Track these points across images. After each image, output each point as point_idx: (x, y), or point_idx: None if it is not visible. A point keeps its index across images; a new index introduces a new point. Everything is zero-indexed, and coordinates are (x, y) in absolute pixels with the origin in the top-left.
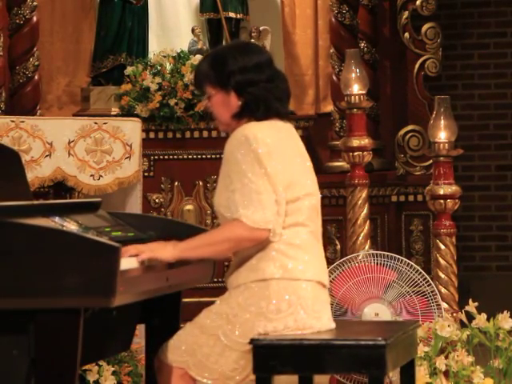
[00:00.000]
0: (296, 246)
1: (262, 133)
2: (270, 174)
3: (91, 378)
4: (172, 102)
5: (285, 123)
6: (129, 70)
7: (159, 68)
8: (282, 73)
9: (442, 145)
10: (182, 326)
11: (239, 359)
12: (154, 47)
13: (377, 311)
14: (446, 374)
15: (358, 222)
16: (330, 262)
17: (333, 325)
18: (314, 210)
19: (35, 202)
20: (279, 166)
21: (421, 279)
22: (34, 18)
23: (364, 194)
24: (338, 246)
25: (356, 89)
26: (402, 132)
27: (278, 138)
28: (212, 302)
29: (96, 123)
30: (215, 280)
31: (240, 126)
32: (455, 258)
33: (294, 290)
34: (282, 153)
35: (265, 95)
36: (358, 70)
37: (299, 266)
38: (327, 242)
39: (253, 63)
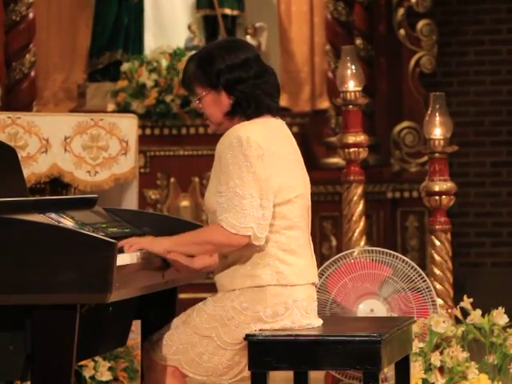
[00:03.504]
0: (291, 251)
1: (255, 134)
2: (259, 178)
3: (87, 373)
4: (168, 98)
5: (276, 120)
6: (125, 67)
7: (155, 64)
8: (271, 67)
9: (437, 141)
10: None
11: (233, 356)
12: (151, 44)
13: (372, 307)
14: (441, 369)
15: (354, 219)
16: (325, 258)
17: (320, 321)
18: (305, 210)
19: (31, 198)
20: (270, 169)
21: (416, 275)
22: (31, 15)
23: (359, 190)
24: (334, 243)
25: (352, 85)
26: (397, 128)
27: (271, 138)
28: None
29: (92, 119)
30: (210, 276)
31: (232, 125)
32: (450, 254)
33: (290, 294)
34: (275, 155)
35: (255, 92)
36: (353, 67)
37: (295, 272)
38: (323, 238)
39: (240, 60)
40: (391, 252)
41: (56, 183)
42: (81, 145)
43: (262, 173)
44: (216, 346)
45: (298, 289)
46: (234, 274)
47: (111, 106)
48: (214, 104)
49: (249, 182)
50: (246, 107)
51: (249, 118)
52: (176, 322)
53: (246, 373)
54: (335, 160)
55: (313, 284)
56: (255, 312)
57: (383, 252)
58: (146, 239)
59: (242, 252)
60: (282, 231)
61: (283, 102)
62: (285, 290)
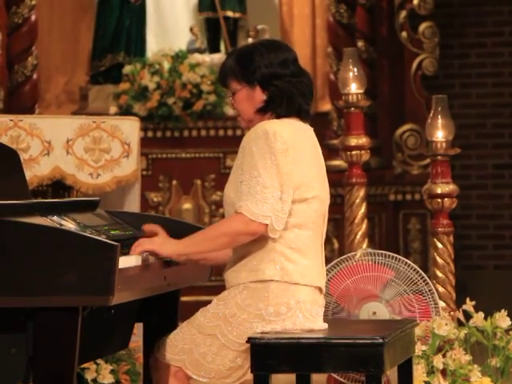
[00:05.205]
0: (297, 250)
1: (281, 129)
2: (281, 171)
3: (89, 376)
4: (170, 100)
5: (305, 124)
6: (127, 69)
7: (157, 67)
8: (307, 71)
9: (439, 144)
10: (179, 324)
11: (236, 358)
12: (153, 46)
13: (374, 310)
14: (444, 372)
15: (356, 221)
16: (327, 260)
17: (325, 325)
18: (320, 215)
19: (33, 201)
20: (293, 165)
21: (418, 278)
22: (33, 17)
23: (362, 192)
24: (336, 245)
25: (354, 88)
26: (399, 131)
27: (297, 136)
28: (210, 301)
29: (94, 122)
30: (213, 279)
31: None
32: (452, 256)
33: (292, 293)
34: (298, 153)
35: (289, 89)
36: (355, 69)
37: (299, 271)
38: (325, 240)
39: (279, 60)
40: (393, 254)
41: (58, 186)
42: (83, 147)
43: (284, 167)
44: (219, 346)
45: (301, 289)
46: (241, 268)
47: (113, 109)
48: (246, 100)
49: (272, 173)
50: (279, 105)
51: (279, 116)
52: (183, 323)
53: (249, 376)
54: (337, 162)
55: (318, 288)
56: (257, 310)
57: (385, 254)
58: (156, 240)
59: (249, 247)
60: (291, 228)
61: None
62: (288, 287)
